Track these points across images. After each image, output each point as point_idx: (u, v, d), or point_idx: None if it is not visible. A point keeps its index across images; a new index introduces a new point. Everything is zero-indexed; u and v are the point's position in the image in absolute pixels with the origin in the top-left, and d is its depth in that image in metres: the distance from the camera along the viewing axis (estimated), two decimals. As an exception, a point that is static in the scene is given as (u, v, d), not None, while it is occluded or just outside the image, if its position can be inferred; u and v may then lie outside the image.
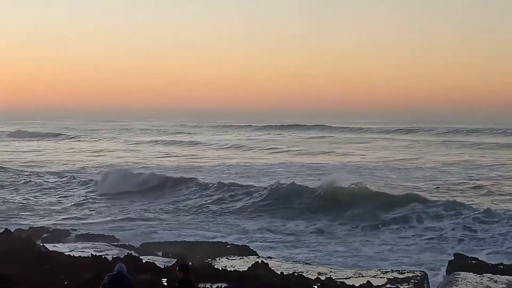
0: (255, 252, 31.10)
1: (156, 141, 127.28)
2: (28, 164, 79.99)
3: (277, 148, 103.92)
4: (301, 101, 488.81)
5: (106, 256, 25.24)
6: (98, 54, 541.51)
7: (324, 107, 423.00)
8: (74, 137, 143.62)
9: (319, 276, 23.28)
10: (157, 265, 24.62)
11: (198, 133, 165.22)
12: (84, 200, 51.97)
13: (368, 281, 22.41)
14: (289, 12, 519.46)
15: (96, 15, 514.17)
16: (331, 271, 24.94)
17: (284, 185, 51.65)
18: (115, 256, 25.73)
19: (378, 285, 22.34)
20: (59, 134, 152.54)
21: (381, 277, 23.73)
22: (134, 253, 26.70)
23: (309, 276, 23.29)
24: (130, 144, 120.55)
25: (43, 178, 63.01)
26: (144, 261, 24.92)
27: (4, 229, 30.71)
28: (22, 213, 45.99)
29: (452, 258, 29.31)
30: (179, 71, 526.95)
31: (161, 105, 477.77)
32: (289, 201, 48.07)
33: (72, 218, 44.33)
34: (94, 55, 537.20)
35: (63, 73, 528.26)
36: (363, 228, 40.69)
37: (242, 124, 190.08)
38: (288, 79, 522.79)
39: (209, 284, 21.32)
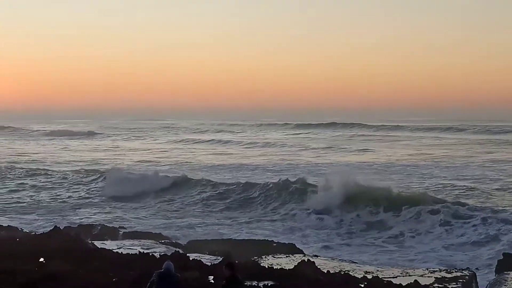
0: (301, 250, 31.10)
1: (211, 140, 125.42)
2: (84, 163, 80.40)
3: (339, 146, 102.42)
4: (336, 100, 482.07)
5: (153, 253, 25.47)
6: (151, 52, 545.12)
7: (367, 105, 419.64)
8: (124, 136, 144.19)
9: (366, 275, 23.15)
10: (204, 262, 24.78)
11: (241, 131, 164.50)
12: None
13: (415, 280, 22.18)
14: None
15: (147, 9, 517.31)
16: (378, 270, 24.80)
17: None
18: (162, 253, 25.96)
19: (425, 285, 22.09)
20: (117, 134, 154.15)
21: (428, 276, 23.48)
22: (181, 251, 26.88)
23: (356, 275, 23.17)
24: (181, 143, 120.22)
25: (92, 177, 63.51)
26: (191, 258, 25.10)
27: (53, 226, 31.24)
28: (70, 211, 46.77)
29: (501, 257, 28.89)
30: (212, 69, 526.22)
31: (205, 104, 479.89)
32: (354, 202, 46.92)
33: (118, 216, 44.81)
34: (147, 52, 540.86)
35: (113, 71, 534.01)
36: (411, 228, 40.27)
37: (292, 122, 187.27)
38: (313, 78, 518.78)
39: (256, 282, 21.35)
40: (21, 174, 65.39)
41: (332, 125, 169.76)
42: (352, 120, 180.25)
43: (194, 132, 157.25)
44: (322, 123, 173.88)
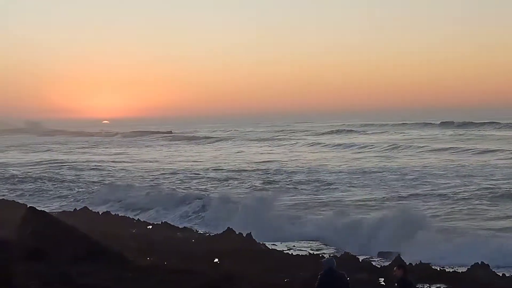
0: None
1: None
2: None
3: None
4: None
5: (323, 254, 25.69)
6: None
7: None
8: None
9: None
10: (373, 264, 24.70)
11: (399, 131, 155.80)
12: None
13: None
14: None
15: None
16: None
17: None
18: (331, 254, 26.12)
19: None
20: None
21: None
22: (351, 252, 26.90)
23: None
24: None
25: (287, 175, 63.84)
26: (360, 259, 25.10)
27: (227, 228, 32.24)
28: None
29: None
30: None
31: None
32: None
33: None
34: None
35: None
36: None
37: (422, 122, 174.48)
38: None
39: (427, 285, 21.04)
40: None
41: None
42: None
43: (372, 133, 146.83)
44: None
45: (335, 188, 53.71)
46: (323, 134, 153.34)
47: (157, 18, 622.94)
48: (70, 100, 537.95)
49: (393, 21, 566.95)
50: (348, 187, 54.45)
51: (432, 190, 49.65)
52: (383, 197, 47.36)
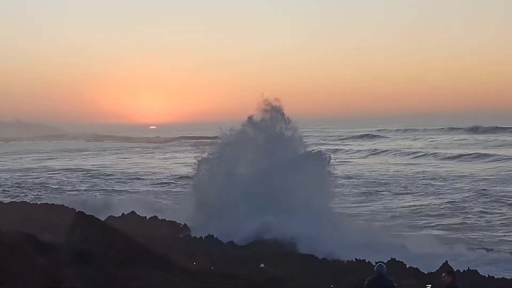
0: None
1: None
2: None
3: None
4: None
5: (369, 260, 25.51)
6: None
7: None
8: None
9: None
10: (420, 270, 24.44)
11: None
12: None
13: None
14: None
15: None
16: None
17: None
18: (378, 261, 25.88)
19: None
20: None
21: None
22: (397, 258, 26.65)
23: None
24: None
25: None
26: (407, 266, 24.85)
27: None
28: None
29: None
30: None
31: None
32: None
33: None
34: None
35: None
36: None
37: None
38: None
39: (475, 291, 20.80)
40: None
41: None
42: None
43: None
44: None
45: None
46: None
47: (206, 24, 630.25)
48: (120, 105, 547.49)
49: (425, 26, 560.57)
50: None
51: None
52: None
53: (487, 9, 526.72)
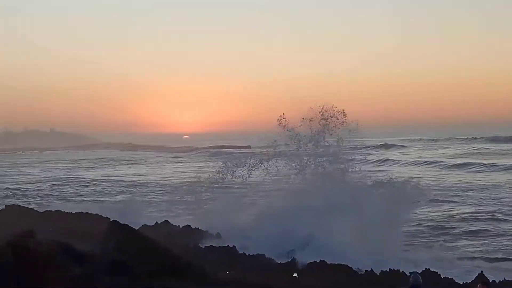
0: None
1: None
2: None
3: None
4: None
5: (403, 270, 25.30)
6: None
7: None
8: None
9: None
10: (455, 280, 24.18)
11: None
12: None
13: None
14: None
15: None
16: None
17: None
18: (412, 270, 25.65)
19: None
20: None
21: None
22: (431, 268, 26.41)
23: None
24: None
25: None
26: (442, 276, 24.62)
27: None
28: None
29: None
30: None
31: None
32: None
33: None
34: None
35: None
36: None
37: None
38: None
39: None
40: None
41: None
42: None
43: None
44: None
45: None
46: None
47: (241, 33, 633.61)
48: (153, 115, 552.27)
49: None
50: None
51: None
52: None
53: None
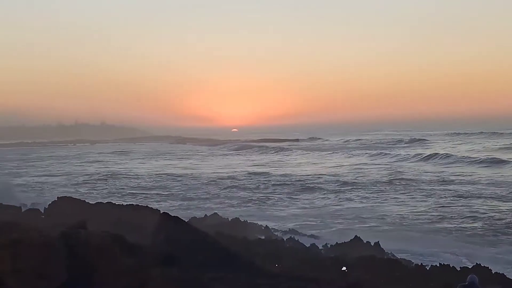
0: None
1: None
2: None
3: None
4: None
5: (454, 266, 25.02)
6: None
7: None
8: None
9: None
10: (507, 276, 23.79)
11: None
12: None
13: None
14: None
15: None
16: None
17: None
18: (463, 266, 25.38)
19: None
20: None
21: None
22: (482, 264, 26.06)
23: None
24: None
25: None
26: (493, 271, 24.25)
27: (354, 236, 32.03)
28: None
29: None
30: None
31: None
32: None
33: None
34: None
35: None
36: None
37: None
38: None
39: None
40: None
41: None
42: None
43: None
44: None
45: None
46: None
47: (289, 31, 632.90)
48: (202, 108, 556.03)
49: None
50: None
51: None
52: None
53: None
